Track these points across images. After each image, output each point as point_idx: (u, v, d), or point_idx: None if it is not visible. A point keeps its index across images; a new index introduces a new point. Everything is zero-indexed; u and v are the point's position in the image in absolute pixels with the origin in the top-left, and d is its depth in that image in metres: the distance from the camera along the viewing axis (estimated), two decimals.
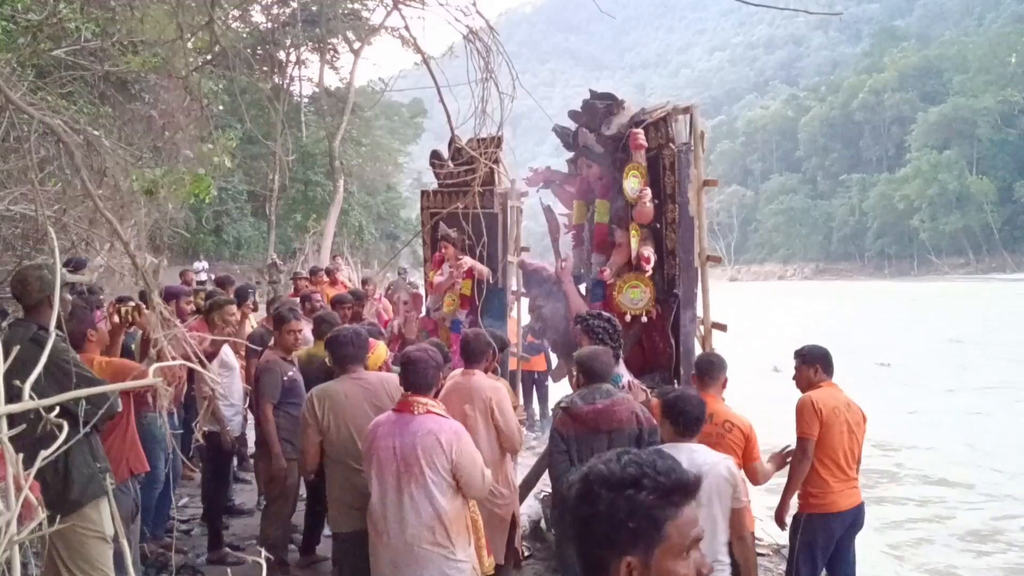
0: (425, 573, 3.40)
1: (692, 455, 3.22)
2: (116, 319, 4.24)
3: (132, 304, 4.35)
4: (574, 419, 3.79)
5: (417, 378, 3.49)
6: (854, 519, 4.35)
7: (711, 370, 4.24)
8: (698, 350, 4.96)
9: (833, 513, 4.27)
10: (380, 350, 4.76)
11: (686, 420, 3.43)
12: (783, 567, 5.03)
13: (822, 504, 4.25)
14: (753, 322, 21.96)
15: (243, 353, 6.01)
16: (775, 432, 5.02)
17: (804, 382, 4.41)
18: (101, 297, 5.92)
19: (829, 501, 4.25)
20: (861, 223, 75.33)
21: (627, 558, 1.19)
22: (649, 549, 1.19)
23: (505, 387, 4.61)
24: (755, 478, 4.11)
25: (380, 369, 4.55)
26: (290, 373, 5.14)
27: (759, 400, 7.50)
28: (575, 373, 4.13)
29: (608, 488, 1.21)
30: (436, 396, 3.75)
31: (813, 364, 4.38)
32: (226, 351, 5.72)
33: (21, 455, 1.65)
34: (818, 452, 4.21)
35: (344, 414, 3.96)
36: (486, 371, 4.40)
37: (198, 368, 2.80)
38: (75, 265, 6.70)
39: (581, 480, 1.25)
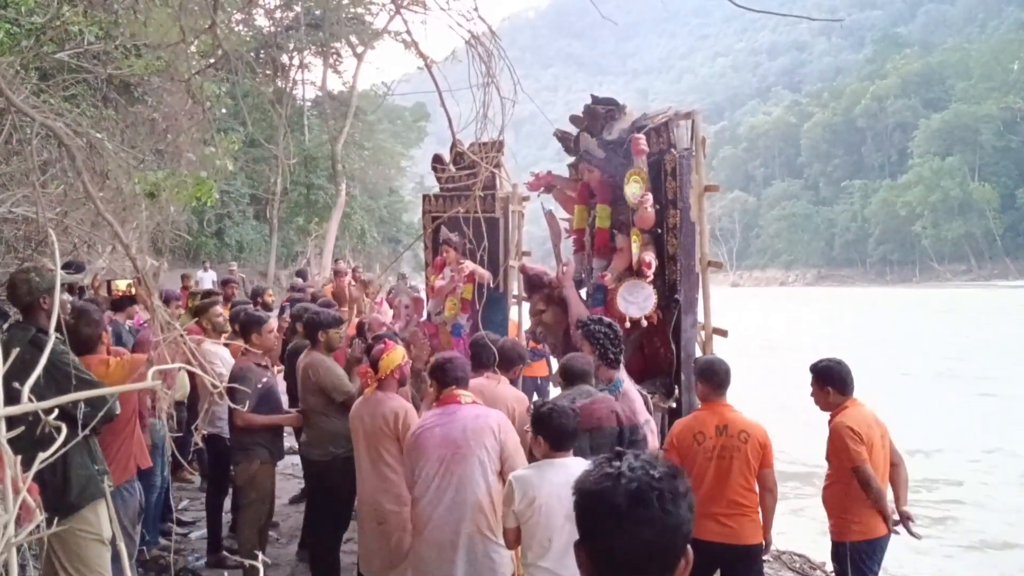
0: (470, 555, 3.48)
1: (568, 470, 3.08)
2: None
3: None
4: None
5: (456, 372, 3.77)
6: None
7: (715, 377, 4.11)
8: (698, 355, 4.95)
9: (879, 537, 4.11)
10: (396, 353, 4.32)
11: (559, 435, 3.29)
12: None
13: (865, 531, 4.08)
14: (756, 328, 21.71)
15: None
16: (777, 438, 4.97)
17: (821, 401, 4.29)
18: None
19: (873, 525, 4.08)
20: (863, 229, 75.24)
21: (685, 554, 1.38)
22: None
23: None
24: (767, 483, 4.06)
25: (392, 373, 4.27)
26: (264, 379, 5.07)
27: (757, 404, 7.44)
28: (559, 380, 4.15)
29: (674, 496, 1.34)
30: None
31: (815, 382, 4.29)
32: (222, 353, 5.71)
33: (19, 457, 1.65)
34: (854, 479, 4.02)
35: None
36: (512, 381, 4.55)
37: (198, 372, 2.80)
38: (75, 268, 6.72)
39: (659, 483, 1.33)
